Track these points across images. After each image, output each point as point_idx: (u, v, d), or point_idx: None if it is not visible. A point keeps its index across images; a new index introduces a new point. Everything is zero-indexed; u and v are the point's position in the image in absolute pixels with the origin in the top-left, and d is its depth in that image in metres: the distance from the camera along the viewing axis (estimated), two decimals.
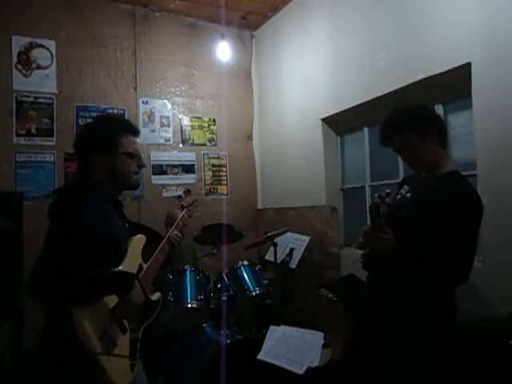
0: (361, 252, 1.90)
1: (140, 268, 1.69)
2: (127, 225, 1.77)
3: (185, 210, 2.14)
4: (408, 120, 1.80)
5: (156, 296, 1.79)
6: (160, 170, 4.38)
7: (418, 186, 1.85)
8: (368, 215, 1.79)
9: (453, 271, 1.68)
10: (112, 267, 1.55)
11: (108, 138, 1.65)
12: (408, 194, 1.82)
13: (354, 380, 2.07)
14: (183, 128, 4.57)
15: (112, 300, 1.51)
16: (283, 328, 2.56)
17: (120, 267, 1.58)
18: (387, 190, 1.71)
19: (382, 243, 1.71)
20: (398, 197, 1.90)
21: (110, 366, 1.43)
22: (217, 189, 4.69)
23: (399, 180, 2.10)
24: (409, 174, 2.09)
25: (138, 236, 1.75)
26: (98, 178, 1.65)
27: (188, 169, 4.55)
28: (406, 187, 1.90)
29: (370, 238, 1.75)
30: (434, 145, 1.81)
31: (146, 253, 1.76)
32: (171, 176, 4.44)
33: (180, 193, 2.29)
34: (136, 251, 1.71)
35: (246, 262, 3.08)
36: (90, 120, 4.03)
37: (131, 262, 1.65)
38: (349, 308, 2.87)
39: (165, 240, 1.89)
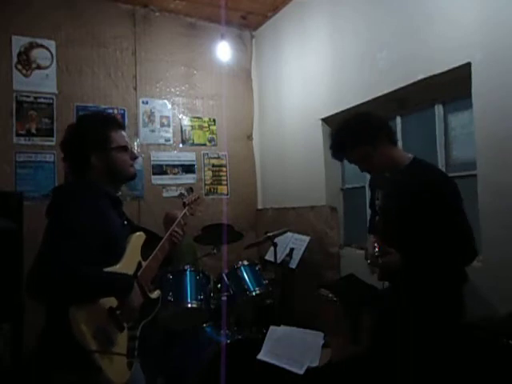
0: (363, 252, 1.92)
1: (139, 266, 1.69)
2: (126, 222, 1.77)
3: (187, 207, 2.13)
4: (354, 135, 1.85)
5: (155, 294, 1.79)
6: (160, 169, 4.38)
7: (390, 187, 1.89)
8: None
9: (459, 248, 1.71)
10: (110, 264, 1.55)
11: (100, 135, 1.66)
12: (385, 199, 1.86)
13: (356, 379, 2.07)
14: (183, 128, 4.57)
15: (109, 299, 1.51)
16: (283, 328, 2.56)
17: (118, 265, 1.57)
18: (376, 252, 1.76)
19: (387, 266, 1.76)
20: (377, 202, 1.93)
21: (107, 365, 1.43)
22: (217, 189, 4.69)
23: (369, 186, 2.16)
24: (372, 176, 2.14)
25: (138, 233, 1.74)
26: (96, 176, 1.65)
27: (188, 169, 4.55)
28: (379, 192, 1.93)
29: (374, 263, 1.79)
30: (386, 147, 1.86)
31: (145, 253, 1.76)
32: (171, 176, 4.44)
33: (182, 191, 2.28)
34: (135, 249, 1.70)
35: (246, 262, 3.08)
36: None
37: (130, 259, 1.65)
38: (349, 308, 2.86)
39: (165, 238, 1.88)
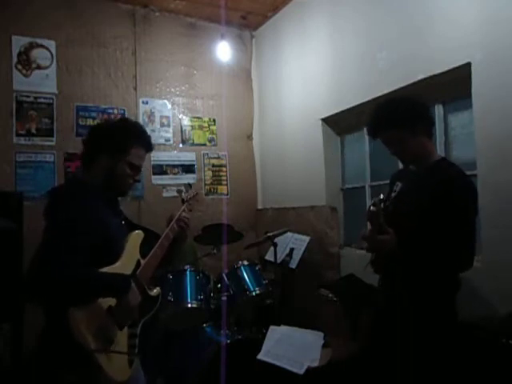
0: (364, 253, 1.90)
1: (138, 264, 1.69)
2: (123, 222, 1.78)
3: (185, 204, 2.12)
4: (398, 116, 1.80)
5: (155, 292, 1.79)
6: (160, 170, 4.38)
7: (412, 180, 1.86)
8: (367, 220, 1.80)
9: (458, 256, 1.69)
10: (109, 263, 1.55)
11: (121, 142, 1.68)
12: (404, 190, 1.83)
13: (356, 379, 2.07)
14: (183, 128, 4.57)
15: (107, 298, 1.51)
16: (283, 328, 2.57)
17: (117, 264, 1.58)
18: (381, 196, 1.72)
19: (383, 245, 1.71)
20: (393, 194, 1.91)
21: (107, 363, 1.43)
22: (217, 189, 4.69)
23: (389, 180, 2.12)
24: (396, 171, 2.11)
25: (136, 232, 1.75)
26: (95, 173, 1.67)
27: (188, 169, 4.54)
28: (398, 184, 1.91)
29: (370, 242, 1.75)
30: (423, 138, 1.83)
31: (145, 251, 1.76)
32: (171, 176, 4.43)
33: (181, 187, 2.28)
34: (134, 247, 1.71)
35: (246, 262, 3.08)
36: (90, 120, 4.09)
37: (129, 258, 1.65)
38: (349, 308, 2.86)
39: (164, 235, 1.88)
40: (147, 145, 1.77)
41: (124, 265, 1.60)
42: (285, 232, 3.41)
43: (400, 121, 1.79)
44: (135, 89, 4.31)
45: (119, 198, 1.79)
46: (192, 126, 4.61)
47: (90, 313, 1.43)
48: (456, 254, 1.68)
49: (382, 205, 1.69)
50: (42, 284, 1.34)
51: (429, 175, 1.79)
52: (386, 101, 1.93)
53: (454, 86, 2.74)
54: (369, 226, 1.78)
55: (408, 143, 1.80)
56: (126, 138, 1.69)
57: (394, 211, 1.82)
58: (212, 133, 4.72)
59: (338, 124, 3.86)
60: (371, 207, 1.70)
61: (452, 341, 1.76)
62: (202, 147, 4.66)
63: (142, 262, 1.72)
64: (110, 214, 1.66)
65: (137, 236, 1.74)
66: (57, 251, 1.38)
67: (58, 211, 1.52)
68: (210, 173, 4.67)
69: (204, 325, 2.91)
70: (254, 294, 2.94)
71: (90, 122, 4.04)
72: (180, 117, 4.55)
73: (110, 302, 1.51)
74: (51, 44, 3.94)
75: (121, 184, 1.71)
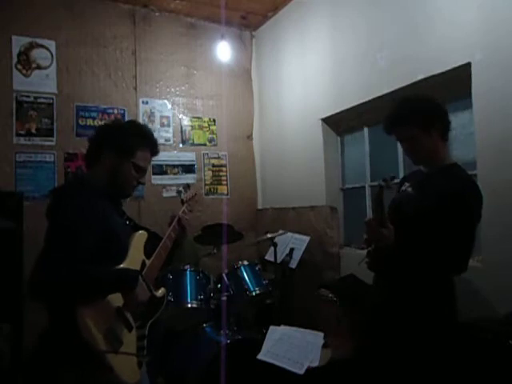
0: (364, 252, 1.89)
1: (143, 264, 1.69)
2: (127, 222, 1.78)
3: (185, 204, 2.12)
4: (415, 113, 1.80)
5: (160, 293, 1.79)
6: (160, 169, 4.38)
7: (419, 181, 1.86)
8: (370, 207, 1.81)
9: (454, 261, 1.68)
10: (114, 264, 1.55)
11: (128, 143, 1.68)
12: (409, 189, 1.83)
13: (356, 379, 2.07)
14: (183, 128, 4.57)
15: (116, 298, 1.51)
16: (283, 328, 2.56)
17: (123, 264, 1.57)
18: (391, 174, 1.72)
19: (383, 238, 1.70)
20: (398, 194, 1.91)
21: (117, 364, 1.43)
22: (217, 189, 4.69)
23: (399, 180, 2.11)
24: (408, 172, 2.11)
25: (140, 232, 1.75)
26: (99, 173, 1.66)
27: (188, 169, 4.54)
28: (406, 184, 1.91)
29: (371, 231, 1.75)
30: (437, 138, 1.82)
31: (147, 252, 1.76)
32: (171, 176, 4.43)
33: (180, 188, 2.29)
34: (138, 247, 1.70)
35: (246, 262, 3.09)
36: (90, 120, 4.08)
37: (134, 258, 1.65)
38: (349, 308, 2.86)
39: (166, 236, 1.88)
40: (153, 148, 1.78)
41: (129, 265, 1.59)
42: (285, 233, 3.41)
43: (417, 118, 1.79)
44: (135, 89, 4.31)
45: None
46: (192, 126, 4.61)
47: (99, 314, 1.42)
48: (452, 258, 1.67)
49: (391, 183, 1.69)
50: (46, 284, 1.34)
51: (437, 178, 1.79)
52: (404, 97, 1.92)
53: (454, 85, 2.74)
54: (371, 216, 1.78)
55: (421, 141, 1.80)
56: (132, 139, 1.69)
57: (397, 209, 1.83)
58: (212, 133, 4.71)
59: (338, 124, 3.86)
60: (381, 182, 1.70)
61: (451, 341, 1.76)
62: (202, 147, 4.65)
63: (147, 262, 1.71)
64: (113, 213, 1.66)
65: (141, 236, 1.74)
66: (60, 251, 1.38)
67: (60, 211, 1.51)
68: (210, 173, 4.67)
69: (204, 325, 2.91)
70: (254, 293, 2.94)
71: (90, 122, 4.04)
72: (180, 117, 4.55)
73: (119, 302, 1.51)
74: (51, 44, 3.94)
75: (124, 185, 1.71)
